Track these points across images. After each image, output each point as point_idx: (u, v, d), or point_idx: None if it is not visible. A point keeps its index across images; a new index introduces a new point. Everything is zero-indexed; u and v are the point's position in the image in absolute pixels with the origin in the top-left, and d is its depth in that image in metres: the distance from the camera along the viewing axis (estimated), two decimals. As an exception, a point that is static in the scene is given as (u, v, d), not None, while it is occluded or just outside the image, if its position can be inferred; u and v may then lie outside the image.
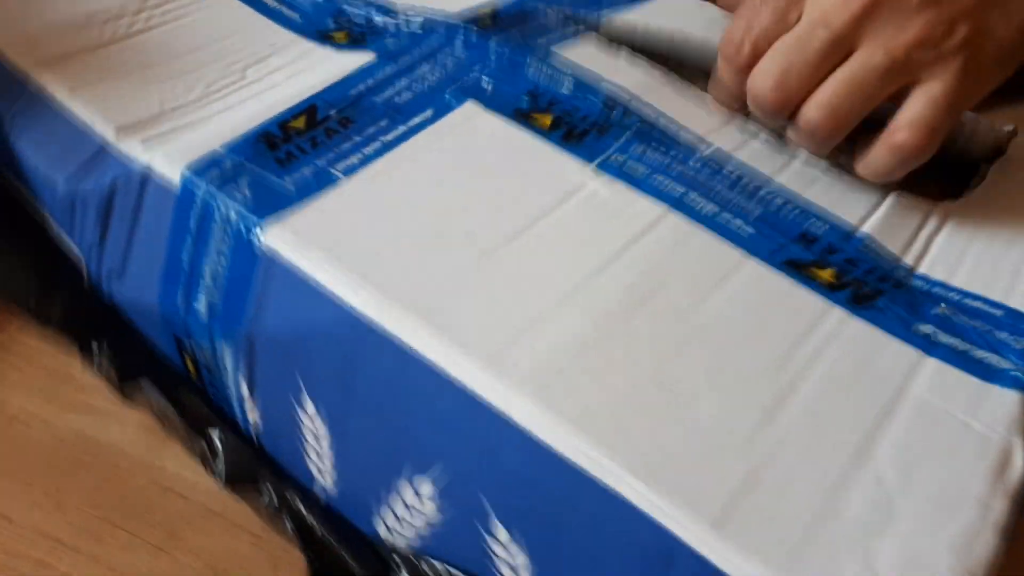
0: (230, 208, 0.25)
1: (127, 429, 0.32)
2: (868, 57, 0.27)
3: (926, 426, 0.22)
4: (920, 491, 0.20)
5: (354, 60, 0.31)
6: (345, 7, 0.35)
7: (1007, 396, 0.23)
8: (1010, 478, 0.21)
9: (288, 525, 0.27)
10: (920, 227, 0.29)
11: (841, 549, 0.19)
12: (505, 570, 0.23)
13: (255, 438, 0.29)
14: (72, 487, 0.31)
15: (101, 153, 0.28)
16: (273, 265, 0.25)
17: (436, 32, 0.33)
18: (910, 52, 0.26)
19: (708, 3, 0.37)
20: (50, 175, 0.29)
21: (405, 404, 0.23)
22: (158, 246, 0.27)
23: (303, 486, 0.28)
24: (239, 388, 0.27)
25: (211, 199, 0.26)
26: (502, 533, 0.22)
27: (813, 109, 0.27)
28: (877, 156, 0.28)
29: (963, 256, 0.28)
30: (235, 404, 0.28)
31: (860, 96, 0.27)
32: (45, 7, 0.32)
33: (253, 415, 0.28)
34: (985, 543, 0.19)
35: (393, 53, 0.31)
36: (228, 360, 0.27)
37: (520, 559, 0.22)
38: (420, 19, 0.33)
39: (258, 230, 0.25)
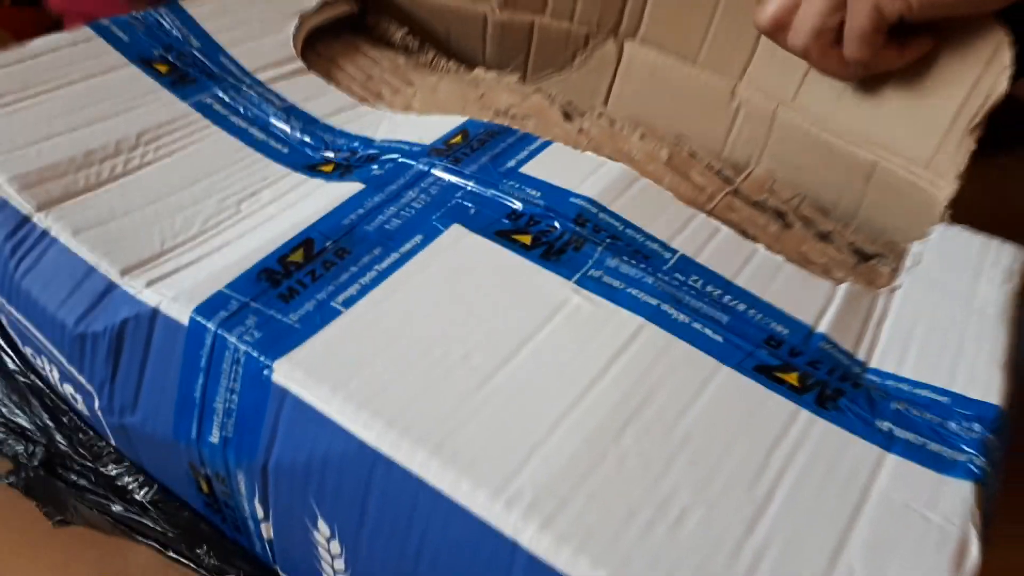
0: (239, 348, 0.27)
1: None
2: None
3: (891, 522, 0.24)
4: (892, 583, 0.23)
5: (343, 190, 0.33)
6: (329, 139, 0.38)
7: (962, 487, 0.25)
8: (968, 568, 0.23)
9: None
10: (867, 318, 0.32)
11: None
12: None
13: (270, 555, 0.30)
14: (77, 560, 0.32)
15: (108, 293, 0.30)
16: (284, 400, 0.26)
17: (418, 160, 0.35)
18: None
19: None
20: (59, 316, 0.30)
21: (417, 529, 0.25)
22: (170, 382, 0.29)
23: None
24: (254, 511, 0.29)
25: (220, 340, 0.27)
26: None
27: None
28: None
29: (908, 345, 0.30)
30: (250, 523, 0.30)
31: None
32: (45, 148, 0.34)
33: (268, 534, 0.29)
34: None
35: (379, 181, 0.34)
36: (243, 486, 0.28)
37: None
38: (401, 150, 0.36)
39: (268, 368, 0.27)
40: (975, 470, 0.26)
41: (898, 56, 0.38)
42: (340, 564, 0.28)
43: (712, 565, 0.23)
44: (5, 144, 0.33)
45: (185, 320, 0.28)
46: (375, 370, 0.26)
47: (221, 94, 0.39)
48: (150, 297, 0.29)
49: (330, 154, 0.37)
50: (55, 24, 0.81)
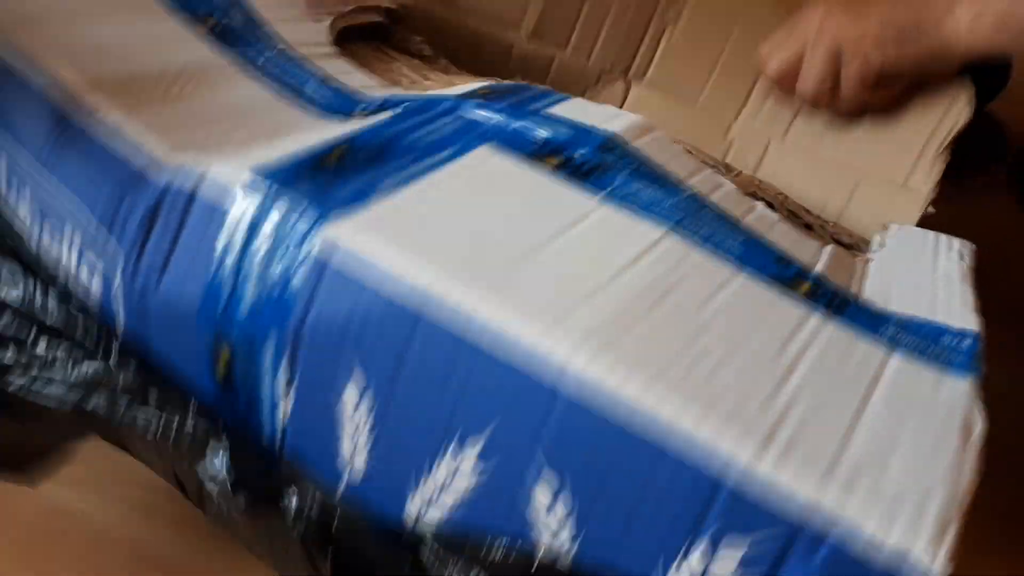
0: (287, 210, 0.28)
1: (107, 502, 0.33)
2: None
3: (902, 401, 0.26)
4: (910, 440, 0.24)
5: (378, 116, 0.35)
6: (361, 99, 0.40)
7: (961, 383, 0.27)
8: (975, 437, 0.25)
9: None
10: (851, 274, 0.34)
11: (861, 471, 0.22)
12: (545, 526, 0.24)
13: (279, 438, 0.30)
14: (55, 558, 0.31)
15: (152, 167, 0.30)
16: (331, 256, 0.27)
17: (447, 98, 0.37)
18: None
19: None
20: (96, 182, 0.30)
21: (463, 372, 0.25)
22: (205, 249, 0.29)
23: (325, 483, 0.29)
24: (274, 384, 0.29)
25: (266, 203, 0.28)
26: (550, 486, 0.24)
27: None
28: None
29: (890, 294, 0.33)
30: (265, 408, 0.29)
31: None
32: (102, 55, 0.35)
33: (284, 411, 0.29)
34: (966, 476, 0.23)
35: (412, 111, 0.36)
36: (269, 355, 0.28)
37: (561, 511, 0.24)
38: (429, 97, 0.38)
39: (314, 229, 0.27)
40: (971, 371, 0.28)
41: (886, 95, 0.44)
42: (364, 436, 0.28)
43: (750, 403, 0.24)
44: (61, 44, 0.34)
45: (232, 184, 0.29)
46: (422, 235, 0.28)
47: (258, 56, 0.41)
48: (191, 173, 0.29)
49: (364, 108, 0.39)
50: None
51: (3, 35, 0.34)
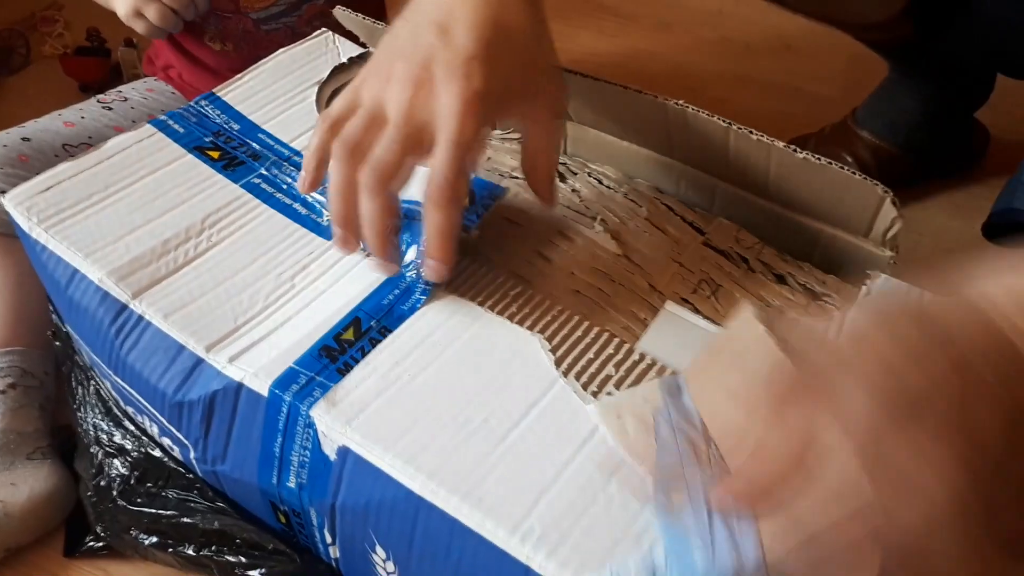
0: (311, 415, 0.35)
1: None
2: None
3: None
4: None
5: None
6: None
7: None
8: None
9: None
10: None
11: None
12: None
13: (334, 564, 0.38)
14: None
15: (198, 367, 0.37)
16: (347, 455, 0.34)
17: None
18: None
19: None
20: (160, 386, 0.38)
21: (454, 556, 0.33)
22: (254, 440, 0.36)
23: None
24: (324, 537, 0.37)
25: (294, 408, 0.35)
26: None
27: None
28: None
29: None
30: (320, 545, 0.38)
31: None
32: (131, 241, 0.41)
33: (335, 554, 0.37)
34: None
35: (407, 266, 0.41)
36: (315, 519, 0.36)
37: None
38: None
39: (332, 434, 0.34)
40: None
41: None
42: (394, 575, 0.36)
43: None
44: (99, 241, 0.41)
45: (265, 392, 0.36)
46: (416, 433, 0.34)
47: (265, 172, 0.46)
48: (234, 373, 0.36)
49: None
50: (115, 70, 0.87)
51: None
